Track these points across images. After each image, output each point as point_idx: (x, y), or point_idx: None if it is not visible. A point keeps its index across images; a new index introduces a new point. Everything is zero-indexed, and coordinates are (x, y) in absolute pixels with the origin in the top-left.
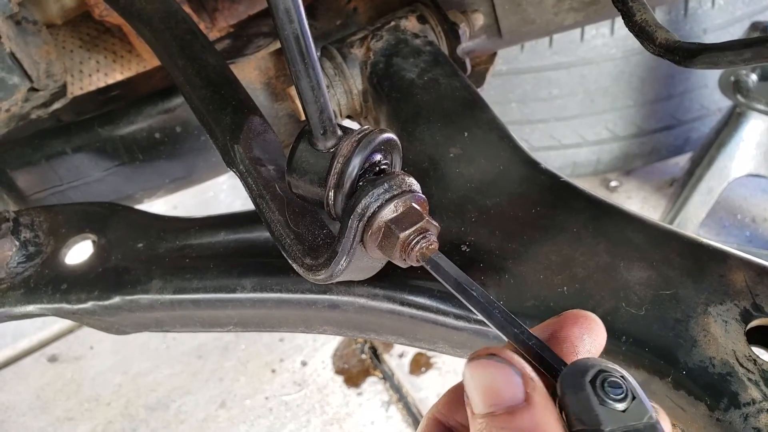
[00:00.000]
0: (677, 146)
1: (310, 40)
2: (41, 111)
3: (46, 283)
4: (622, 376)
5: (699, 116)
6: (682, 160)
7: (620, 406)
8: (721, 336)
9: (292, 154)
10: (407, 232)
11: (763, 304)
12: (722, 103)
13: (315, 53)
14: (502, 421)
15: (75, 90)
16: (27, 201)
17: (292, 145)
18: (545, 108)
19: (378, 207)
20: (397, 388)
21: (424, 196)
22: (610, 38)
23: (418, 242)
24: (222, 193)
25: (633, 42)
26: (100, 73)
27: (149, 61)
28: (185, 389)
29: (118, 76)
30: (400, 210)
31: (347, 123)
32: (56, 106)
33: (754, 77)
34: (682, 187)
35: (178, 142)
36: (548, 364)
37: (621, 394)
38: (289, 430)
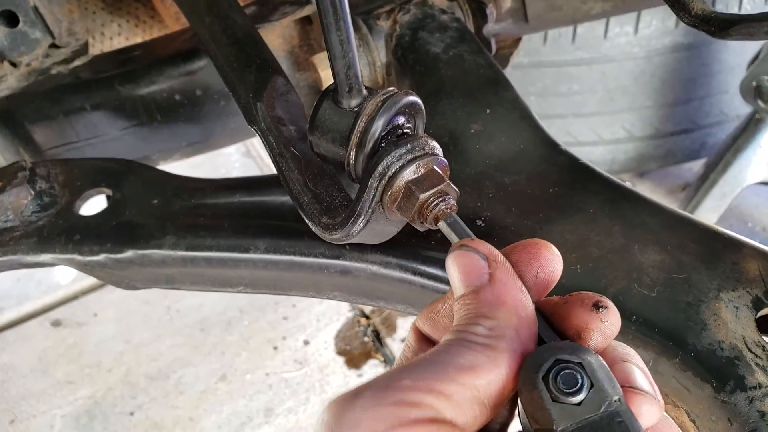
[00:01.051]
0: (693, 150)
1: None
2: (62, 67)
3: (59, 233)
4: (579, 364)
5: (717, 122)
6: (696, 166)
7: (575, 399)
8: (731, 321)
9: (316, 111)
10: (427, 193)
11: None
12: (741, 110)
13: (347, 6)
14: (470, 299)
15: (96, 52)
16: (43, 155)
17: (316, 102)
18: (564, 103)
19: (399, 167)
20: None
21: (445, 161)
22: (634, 37)
23: (437, 204)
24: (234, 171)
25: (656, 42)
26: (121, 37)
27: (172, 27)
28: (186, 361)
29: (139, 40)
30: (422, 171)
31: None
32: (77, 63)
33: None
34: (694, 191)
35: (198, 105)
36: (539, 336)
37: (576, 386)
38: (287, 407)
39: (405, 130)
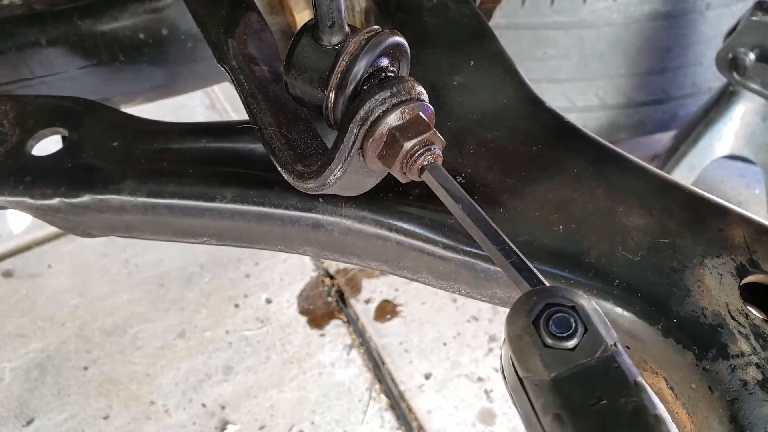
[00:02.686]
0: (664, 121)
1: None
2: None
3: (8, 174)
4: (572, 307)
5: (689, 93)
6: (665, 138)
7: (569, 344)
8: (715, 288)
9: (293, 47)
10: (412, 142)
11: (759, 260)
12: (714, 82)
13: None
14: None
15: None
16: None
17: (293, 38)
18: (538, 68)
19: (383, 112)
20: (360, 333)
21: (431, 107)
22: (613, 2)
23: (422, 154)
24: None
25: (635, 9)
26: None
27: None
28: (144, 316)
29: None
30: (407, 118)
31: None
32: None
33: (752, 56)
34: (663, 163)
35: (163, 45)
36: (524, 283)
37: (569, 330)
38: (247, 365)
39: (389, 74)
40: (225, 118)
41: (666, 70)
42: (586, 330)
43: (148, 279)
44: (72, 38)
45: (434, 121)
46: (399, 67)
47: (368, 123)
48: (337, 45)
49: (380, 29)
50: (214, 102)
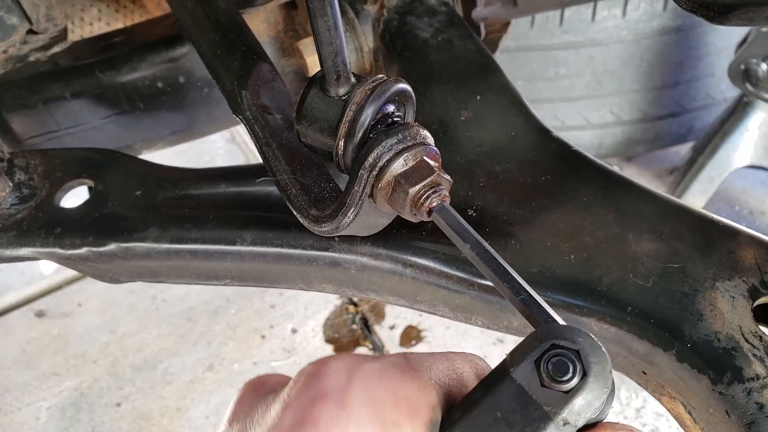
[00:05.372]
0: (680, 134)
1: None
2: (40, 54)
3: (40, 227)
4: (576, 351)
5: (704, 105)
6: (683, 150)
7: (565, 387)
8: (727, 311)
9: (303, 99)
10: (418, 186)
11: None
12: (728, 93)
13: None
14: None
15: (75, 38)
16: (22, 145)
17: (303, 90)
18: (551, 88)
19: (390, 158)
20: None
21: (437, 150)
22: (622, 20)
23: (428, 197)
24: (219, 158)
25: (644, 25)
26: (101, 22)
27: (153, 12)
28: (173, 351)
29: (120, 26)
30: (413, 163)
31: None
32: (56, 49)
33: (764, 66)
34: (682, 175)
35: (181, 92)
36: (535, 319)
37: (568, 374)
38: None
39: (395, 119)
40: (244, 150)
41: (679, 83)
42: (584, 375)
43: (175, 313)
44: (94, 90)
45: (440, 162)
46: (405, 111)
47: (377, 169)
48: (345, 95)
49: (385, 77)
50: (234, 135)
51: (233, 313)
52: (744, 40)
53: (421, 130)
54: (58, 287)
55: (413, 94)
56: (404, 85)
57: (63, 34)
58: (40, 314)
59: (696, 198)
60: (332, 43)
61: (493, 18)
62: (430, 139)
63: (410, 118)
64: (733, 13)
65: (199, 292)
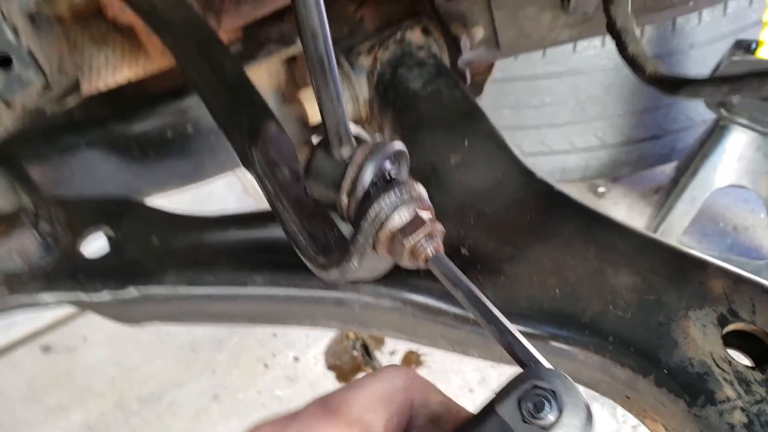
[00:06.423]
0: (663, 155)
1: (334, 61)
2: (56, 107)
3: (64, 274)
4: (552, 392)
5: (684, 127)
6: (668, 169)
7: (544, 423)
8: (699, 338)
9: (310, 161)
10: (414, 238)
11: (738, 310)
12: (707, 114)
13: (336, 71)
14: None
15: (84, 85)
16: (39, 193)
17: (310, 152)
18: (537, 115)
19: (389, 213)
20: None
21: (430, 203)
22: (602, 50)
23: (424, 247)
24: (217, 188)
25: None
26: (108, 70)
27: (157, 59)
28: (178, 382)
29: (126, 71)
30: (410, 216)
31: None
32: (71, 103)
33: None
34: (667, 195)
35: (189, 140)
36: (520, 359)
37: (546, 411)
38: None
39: (392, 175)
40: (246, 185)
41: (659, 107)
42: (560, 413)
43: (180, 345)
44: (108, 141)
45: (434, 213)
46: (400, 167)
47: (378, 223)
48: (347, 157)
49: (382, 140)
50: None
51: (236, 342)
52: (716, 68)
53: (415, 186)
54: (63, 322)
55: (407, 153)
56: (399, 147)
57: (76, 86)
58: (45, 349)
59: (681, 217)
60: (335, 113)
61: (479, 61)
62: (424, 194)
63: (405, 173)
64: (681, 89)
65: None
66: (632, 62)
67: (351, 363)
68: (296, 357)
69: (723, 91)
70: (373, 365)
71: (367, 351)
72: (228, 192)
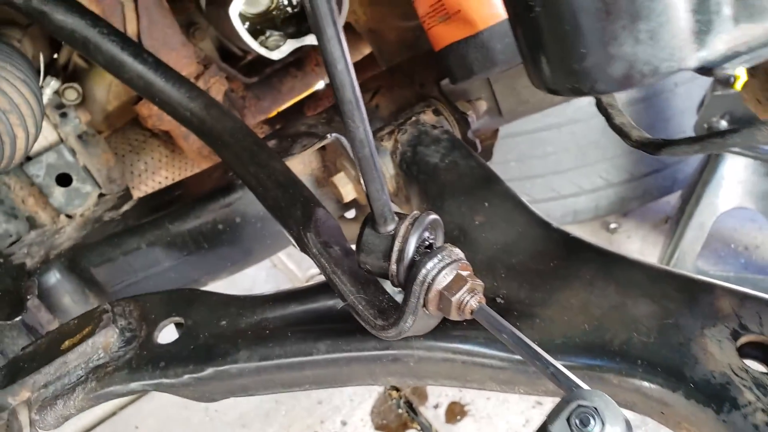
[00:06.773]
0: (666, 187)
1: (378, 160)
2: (112, 213)
3: (146, 363)
4: (594, 408)
5: (682, 159)
6: (673, 198)
7: None
8: (717, 353)
9: (360, 237)
10: (459, 294)
11: (747, 323)
12: None
13: (380, 165)
14: None
15: (137, 194)
16: (106, 294)
17: (360, 231)
18: (542, 164)
19: (435, 275)
20: None
21: (467, 262)
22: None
23: (468, 301)
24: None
25: None
26: (147, 173)
27: (195, 160)
28: None
29: (163, 173)
30: (452, 276)
31: None
32: (126, 207)
33: (724, 123)
34: (676, 223)
35: (238, 230)
36: (564, 386)
37: (591, 425)
38: None
39: (431, 241)
40: (274, 261)
41: None
42: (603, 425)
43: (229, 422)
44: (166, 239)
45: (472, 270)
46: (437, 233)
47: (426, 284)
48: (392, 231)
49: (419, 213)
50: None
51: (284, 413)
52: (702, 103)
53: (454, 249)
54: (113, 413)
55: (441, 221)
56: (434, 217)
57: (127, 193)
58: None
59: (693, 243)
60: (380, 198)
61: (485, 128)
62: (462, 255)
63: (441, 238)
64: (662, 149)
65: (249, 397)
66: (620, 131)
67: (397, 421)
68: (344, 421)
69: (694, 149)
70: (419, 420)
71: (411, 407)
72: (257, 270)
